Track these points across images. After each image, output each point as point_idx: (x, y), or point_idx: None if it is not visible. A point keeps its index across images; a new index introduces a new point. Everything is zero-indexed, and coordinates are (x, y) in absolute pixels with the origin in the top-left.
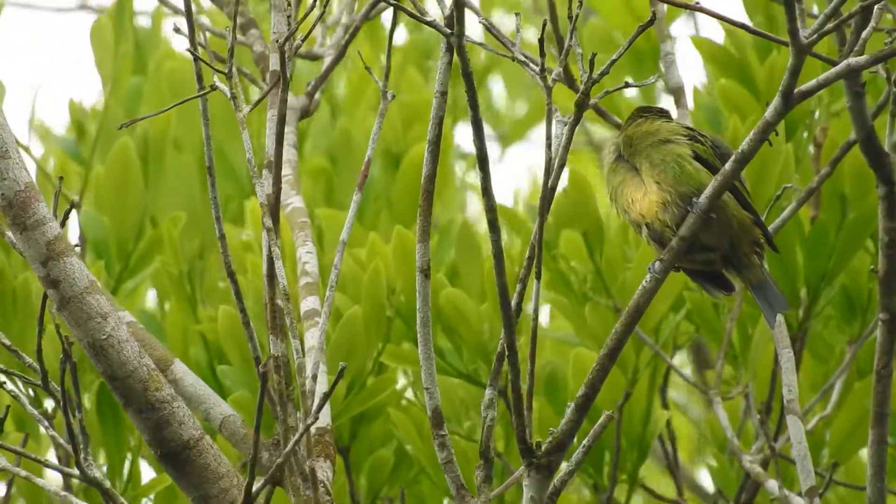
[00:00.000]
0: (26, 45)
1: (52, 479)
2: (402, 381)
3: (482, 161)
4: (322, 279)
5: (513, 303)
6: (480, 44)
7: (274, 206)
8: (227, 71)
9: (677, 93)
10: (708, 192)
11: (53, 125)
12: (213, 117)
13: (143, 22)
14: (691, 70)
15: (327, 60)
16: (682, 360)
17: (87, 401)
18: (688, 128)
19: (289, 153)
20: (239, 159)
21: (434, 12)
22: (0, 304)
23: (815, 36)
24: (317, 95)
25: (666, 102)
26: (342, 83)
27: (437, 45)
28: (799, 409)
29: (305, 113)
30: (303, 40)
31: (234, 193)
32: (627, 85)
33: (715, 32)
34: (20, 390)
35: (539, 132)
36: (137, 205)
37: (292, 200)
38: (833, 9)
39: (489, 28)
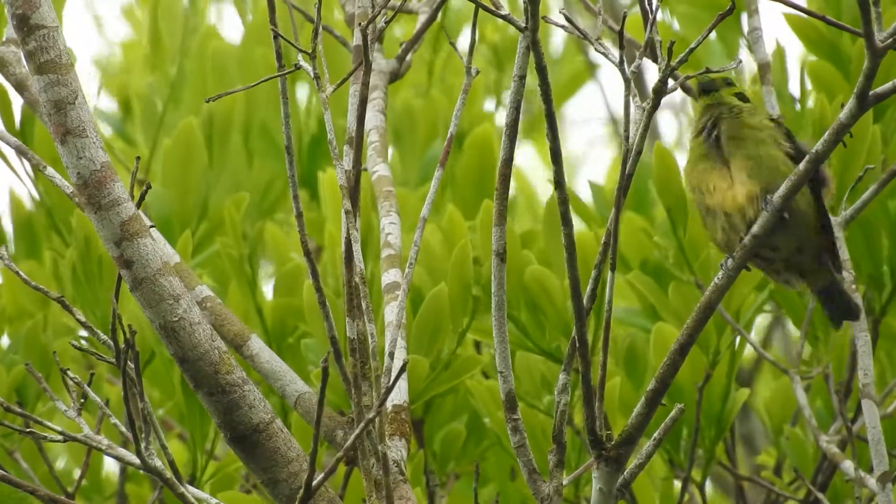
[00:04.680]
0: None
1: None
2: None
3: (555, 154)
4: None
5: (588, 289)
6: (562, 26)
7: (354, 189)
8: (310, 51)
9: (763, 69)
10: (781, 191)
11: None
12: (259, 93)
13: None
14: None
15: (421, 18)
16: None
17: (174, 374)
18: (787, 133)
19: (377, 119)
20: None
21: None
22: (86, 272)
23: (890, 40)
24: (408, 57)
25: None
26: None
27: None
28: (875, 393)
29: (395, 76)
30: (387, 23)
31: (280, 172)
32: (708, 70)
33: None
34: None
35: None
36: (201, 185)
37: (378, 168)
38: None
39: (569, 19)
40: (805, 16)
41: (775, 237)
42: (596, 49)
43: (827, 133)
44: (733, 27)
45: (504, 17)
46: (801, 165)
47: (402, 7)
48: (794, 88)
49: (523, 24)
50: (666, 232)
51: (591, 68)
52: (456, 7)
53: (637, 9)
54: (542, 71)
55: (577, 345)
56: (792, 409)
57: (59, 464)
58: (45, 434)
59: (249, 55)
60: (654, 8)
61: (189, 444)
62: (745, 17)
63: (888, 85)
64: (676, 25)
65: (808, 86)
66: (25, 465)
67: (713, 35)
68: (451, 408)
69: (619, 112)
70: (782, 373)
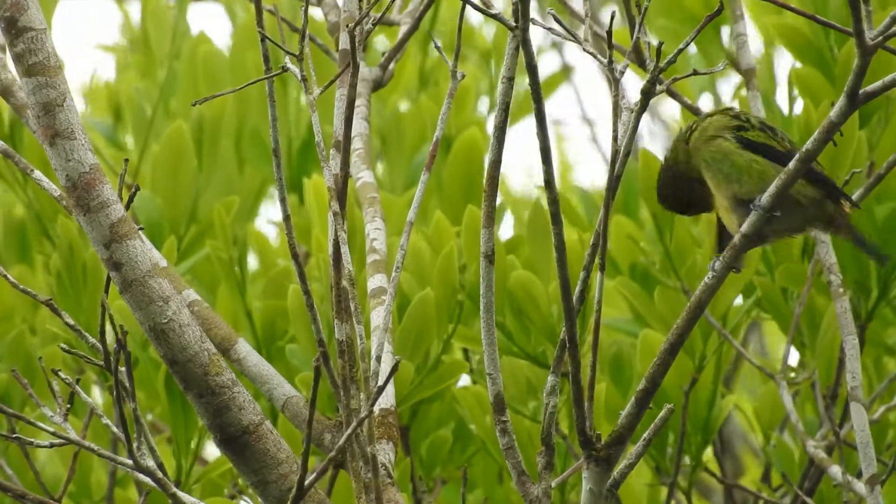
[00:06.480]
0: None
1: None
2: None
3: (545, 154)
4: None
5: (576, 290)
6: (549, 28)
7: (341, 191)
8: (298, 53)
9: (748, 74)
10: (771, 190)
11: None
12: (251, 98)
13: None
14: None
15: (403, 29)
16: None
17: (157, 379)
18: (735, 116)
19: (360, 126)
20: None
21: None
22: (70, 278)
23: (880, 38)
24: (391, 66)
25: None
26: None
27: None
28: (863, 396)
29: (379, 84)
30: (374, 24)
31: (271, 176)
32: (695, 72)
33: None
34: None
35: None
36: (190, 189)
37: (363, 175)
38: None
39: (557, 19)
40: (790, 21)
41: (776, 224)
42: (584, 49)
43: (817, 132)
44: (713, 38)
45: (494, 17)
46: (791, 164)
47: (386, 12)
48: (781, 95)
49: (513, 24)
50: (652, 238)
51: (566, 71)
52: (442, 17)
53: (619, 13)
54: (532, 70)
55: (567, 344)
56: (778, 415)
57: (46, 468)
58: (32, 440)
59: (241, 60)
60: (641, 10)
61: (174, 449)
62: (724, 30)
63: (878, 83)
64: (654, 41)
65: (795, 92)
66: (10, 471)
67: (693, 47)
68: (437, 415)
69: (593, 115)
70: (769, 378)
